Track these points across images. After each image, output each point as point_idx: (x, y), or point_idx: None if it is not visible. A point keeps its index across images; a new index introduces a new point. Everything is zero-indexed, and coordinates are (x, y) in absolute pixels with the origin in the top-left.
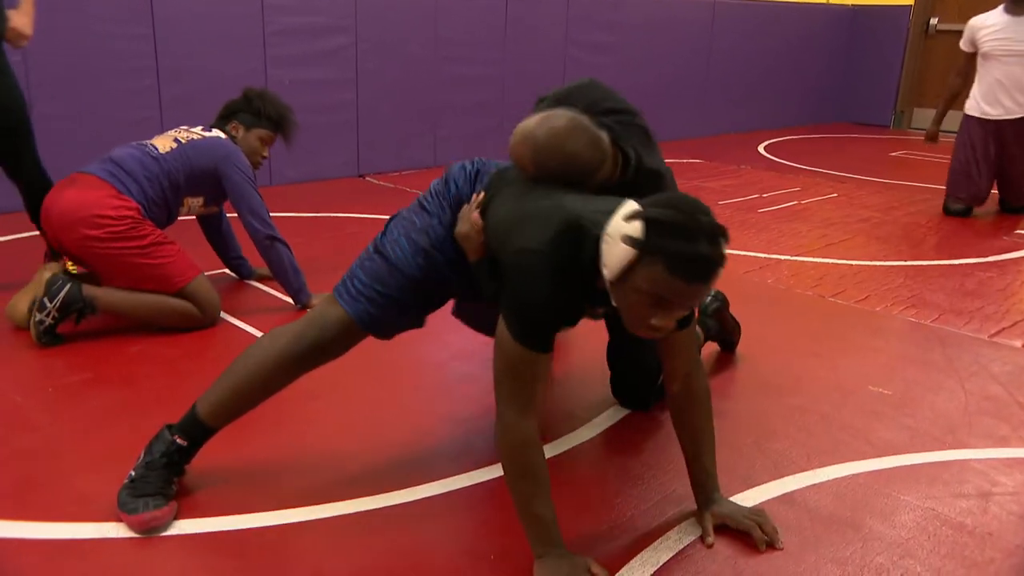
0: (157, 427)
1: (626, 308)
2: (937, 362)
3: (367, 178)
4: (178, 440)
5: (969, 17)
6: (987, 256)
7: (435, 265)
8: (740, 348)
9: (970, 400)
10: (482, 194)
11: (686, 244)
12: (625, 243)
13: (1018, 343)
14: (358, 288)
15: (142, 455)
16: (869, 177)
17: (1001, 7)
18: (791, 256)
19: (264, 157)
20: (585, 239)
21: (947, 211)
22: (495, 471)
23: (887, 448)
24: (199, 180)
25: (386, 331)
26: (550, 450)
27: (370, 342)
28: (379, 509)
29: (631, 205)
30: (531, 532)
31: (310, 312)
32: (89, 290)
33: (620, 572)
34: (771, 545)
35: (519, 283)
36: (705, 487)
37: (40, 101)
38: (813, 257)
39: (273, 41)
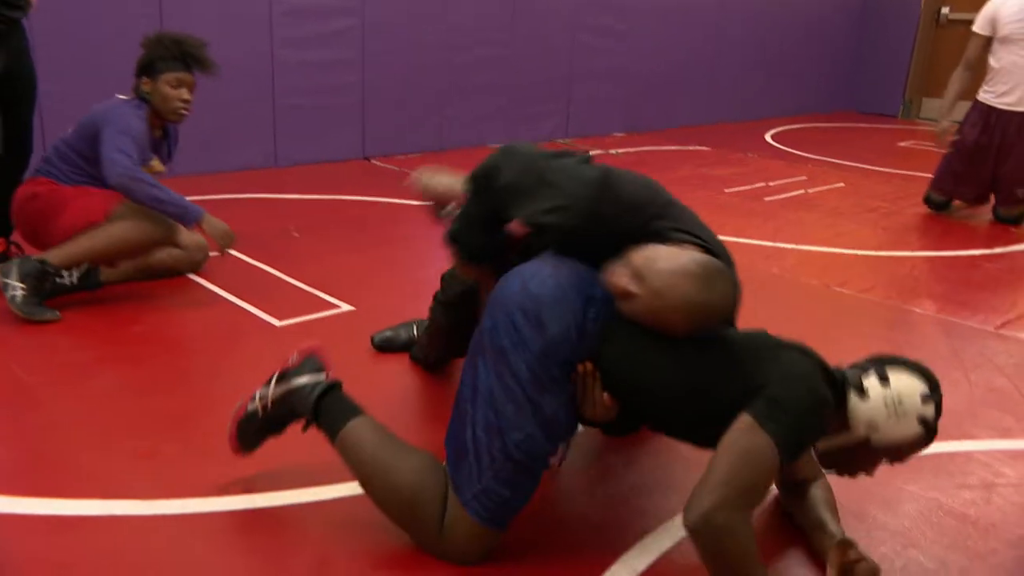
0: (161, 404)
1: (860, 460)
2: (942, 353)
3: (373, 160)
4: None
5: (981, 7)
6: (994, 248)
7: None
8: None
9: (975, 392)
10: (590, 366)
11: (937, 421)
12: (919, 423)
13: (1023, 335)
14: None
15: None
16: (877, 167)
17: None
18: (797, 245)
19: (185, 100)
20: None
21: (928, 202)
22: None
23: None
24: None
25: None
26: None
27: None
28: None
29: (919, 384)
30: None
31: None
32: (40, 255)
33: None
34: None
35: (799, 399)
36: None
37: (44, 79)
38: (819, 246)
39: (280, 21)
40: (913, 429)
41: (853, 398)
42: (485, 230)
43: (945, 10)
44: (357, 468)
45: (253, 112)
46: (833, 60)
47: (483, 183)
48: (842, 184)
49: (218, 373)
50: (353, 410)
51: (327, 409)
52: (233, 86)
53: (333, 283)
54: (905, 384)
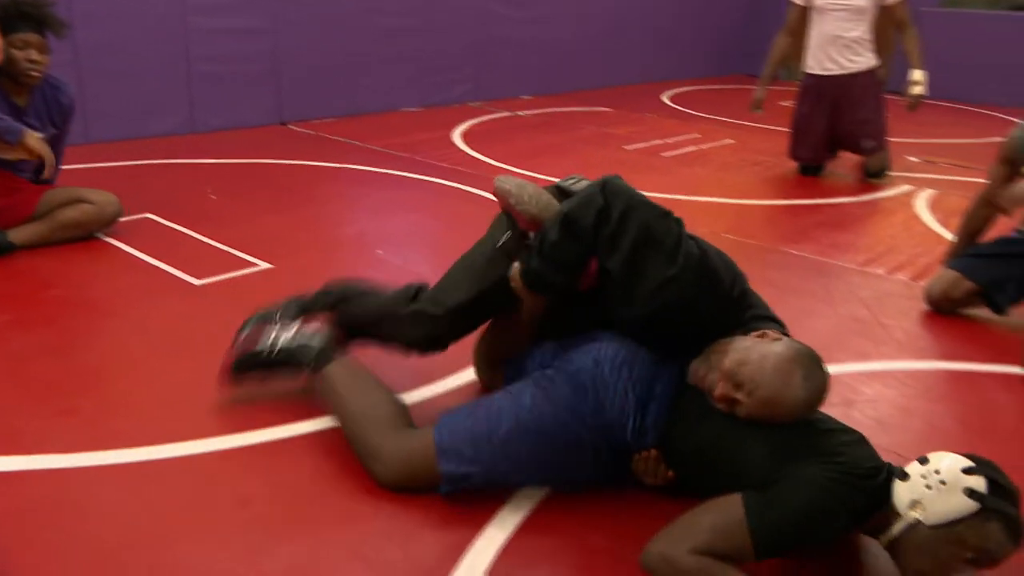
0: (80, 364)
1: (932, 555)
2: (815, 290)
3: (289, 125)
4: None
5: None
6: (860, 196)
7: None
8: None
9: (841, 322)
10: (655, 452)
11: (1018, 511)
12: (967, 495)
13: (882, 271)
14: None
15: None
16: (762, 125)
17: None
18: (690, 196)
19: (33, 61)
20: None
21: (799, 166)
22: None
23: None
24: None
25: None
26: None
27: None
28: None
29: (962, 460)
30: None
31: None
32: None
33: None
34: None
35: (796, 507)
36: None
37: None
38: (710, 197)
39: None
40: (962, 502)
41: (896, 483)
42: (570, 272)
43: None
44: (333, 399)
45: (169, 79)
46: (727, 27)
47: (584, 227)
48: (731, 141)
49: (135, 331)
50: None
51: (322, 354)
52: (147, 54)
53: (251, 243)
54: (945, 460)
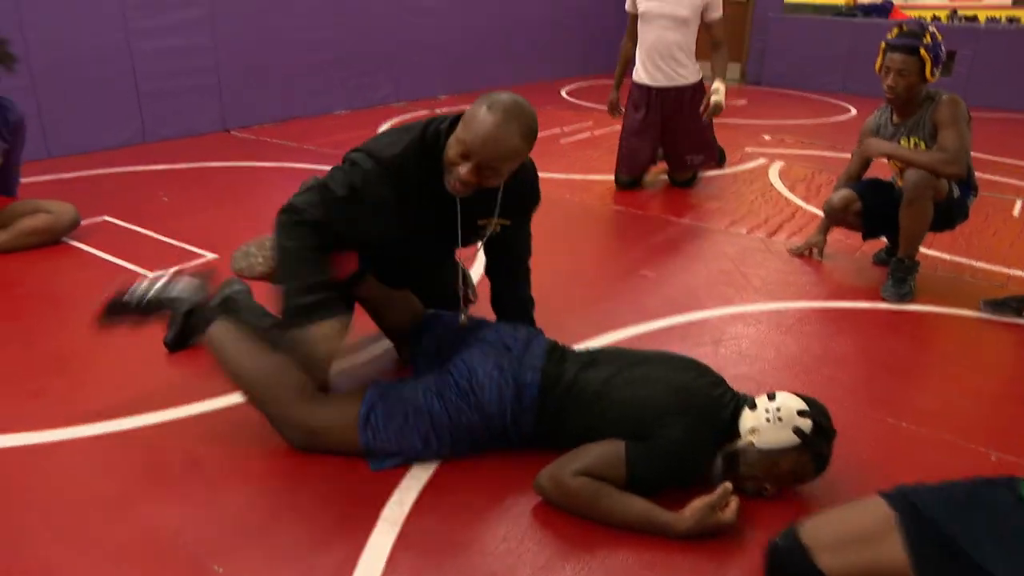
0: (46, 350)
1: (756, 470)
2: (689, 249)
3: (232, 132)
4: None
5: None
6: (727, 168)
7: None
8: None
9: (710, 274)
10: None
11: (829, 450)
12: (794, 432)
13: (744, 231)
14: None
15: None
16: None
17: None
18: (584, 175)
19: None
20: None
21: (617, 184)
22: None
23: (652, 315)
24: None
25: None
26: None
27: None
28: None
29: (796, 400)
30: (645, 526)
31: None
32: None
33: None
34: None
35: (669, 456)
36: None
37: None
38: (601, 175)
39: (132, 15)
40: (789, 438)
41: (745, 411)
42: (318, 279)
43: None
44: (224, 356)
45: (118, 95)
46: (615, 28)
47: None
48: (619, 127)
49: (94, 320)
50: (221, 315)
51: (197, 314)
52: (98, 75)
53: (199, 237)
54: (787, 401)
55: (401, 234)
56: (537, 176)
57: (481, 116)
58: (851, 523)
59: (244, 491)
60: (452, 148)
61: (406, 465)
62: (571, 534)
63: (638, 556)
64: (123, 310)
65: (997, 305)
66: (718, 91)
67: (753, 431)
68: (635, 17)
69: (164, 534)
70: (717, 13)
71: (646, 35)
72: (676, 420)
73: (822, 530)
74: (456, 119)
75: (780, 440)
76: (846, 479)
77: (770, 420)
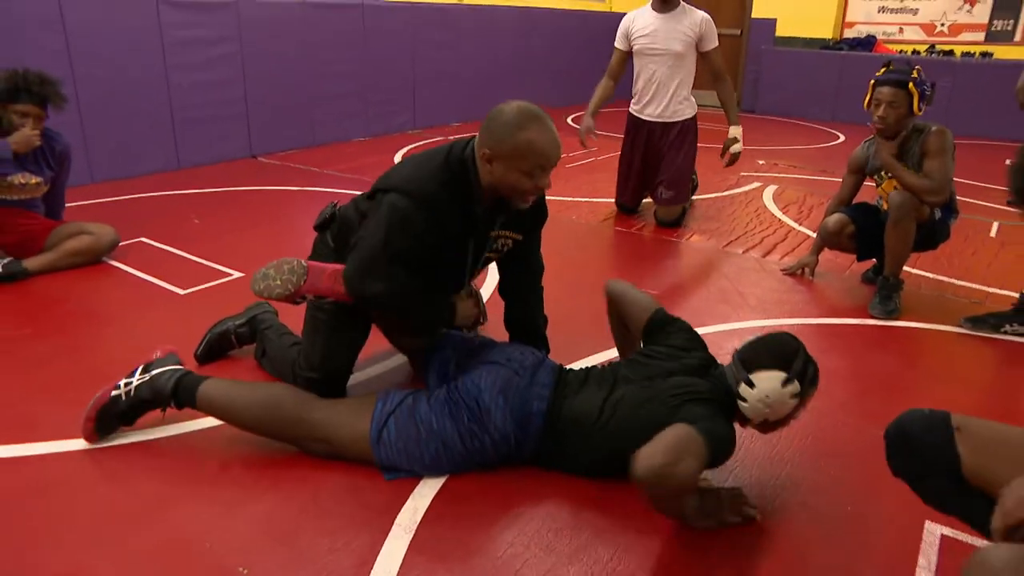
0: (88, 366)
1: (768, 428)
2: (688, 268)
3: (259, 158)
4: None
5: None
6: (723, 191)
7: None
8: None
9: (708, 293)
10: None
11: (816, 372)
12: (793, 398)
13: (740, 251)
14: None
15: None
16: None
17: (650, 4)
18: (588, 199)
19: (33, 130)
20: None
21: (618, 207)
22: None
23: None
24: None
25: None
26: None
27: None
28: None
29: (777, 374)
30: (682, 516)
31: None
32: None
33: None
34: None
35: (713, 419)
36: None
37: None
38: (604, 198)
39: (172, 51)
40: (791, 404)
41: (741, 404)
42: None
43: None
44: (222, 413)
45: (156, 125)
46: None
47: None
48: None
49: (133, 335)
50: (204, 378)
51: (183, 387)
52: (137, 106)
53: (227, 256)
54: (767, 381)
55: (436, 264)
56: None
57: (535, 131)
58: (1012, 436)
59: (269, 497)
60: (514, 174)
61: (419, 476)
62: (576, 541)
63: (641, 562)
64: (114, 409)
65: (976, 321)
66: (736, 140)
67: (763, 416)
68: (622, 54)
69: (192, 536)
70: (712, 43)
71: (641, 70)
72: (691, 407)
73: (976, 426)
74: (471, 141)
75: (787, 410)
76: (841, 492)
77: (768, 406)
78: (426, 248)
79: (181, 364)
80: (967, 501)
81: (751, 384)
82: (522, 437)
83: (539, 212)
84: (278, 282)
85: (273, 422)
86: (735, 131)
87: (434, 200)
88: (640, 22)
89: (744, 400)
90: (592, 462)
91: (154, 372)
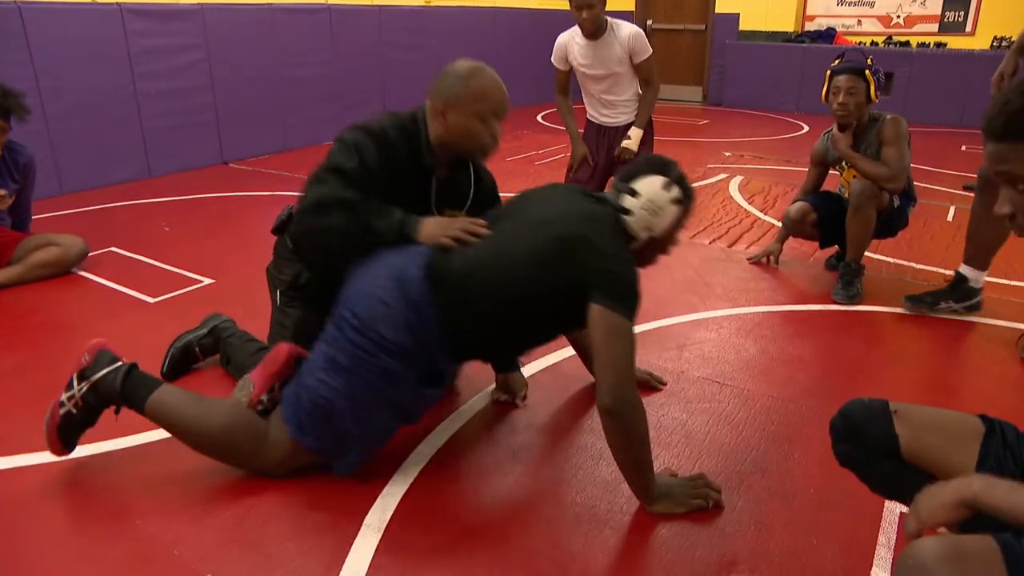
0: (58, 378)
1: (653, 252)
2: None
3: (230, 164)
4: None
5: (673, 19)
6: (692, 183)
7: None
8: None
9: (675, 283)
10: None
11: (690, 200)
12: (675, 204)
13: (706, 241)
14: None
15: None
16: None
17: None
18: None
19: None
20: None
21: None
22: None
23: None
24: None
25: None
26: None
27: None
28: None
29: (658, 179)
30: (647, 477)
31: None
32: None
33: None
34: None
35: (620, 268)
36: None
37: None
38: None
39: (138, 59)
40: (673, 212)
41: (626, 219)
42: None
43: (649, 22)
44: (170, 427)
45: (125, 134)
46: None
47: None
48: None
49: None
50: (155, 382)
51: (131, 389)
52: (106, 116)
53: (197, 263)
54: (649, 186)
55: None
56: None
57: (486, 79)
58: (943, 417)
59: (237, 503)
60: (470, 120)
61: (368, 460)
62: (549, 537)
63: (605, 549)
64: (72, 423)
65: (916, 300)
66: (630, 138)
67: (648, 230)
68: (564, 72)
69: (161, 545)
70: (643, 56)
71: (585, 86)
72: (592, 243)
73: (912, 410)
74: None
75: (669, 218)
76: (805, 476)
77: (650, 211)
78: (371, 175)
79: (116, 358)
80: (909, 482)
81: (634, 193)
82: (416, 322)
83: (493, 193)
84: (244, 399)
85: (229, 448)
86: (634, 131)
87: (383, 134)
88: (576, 49)
89: (629, 212)
90: (505, 317)
91: (94, 379)
